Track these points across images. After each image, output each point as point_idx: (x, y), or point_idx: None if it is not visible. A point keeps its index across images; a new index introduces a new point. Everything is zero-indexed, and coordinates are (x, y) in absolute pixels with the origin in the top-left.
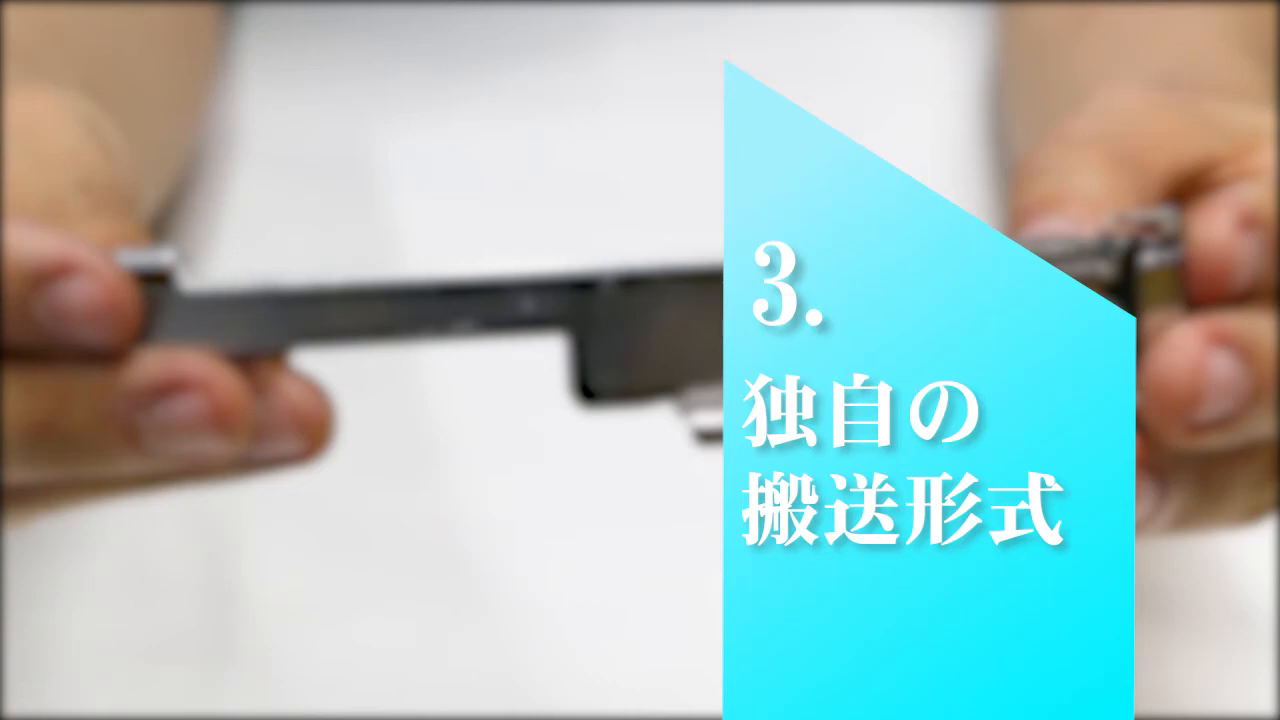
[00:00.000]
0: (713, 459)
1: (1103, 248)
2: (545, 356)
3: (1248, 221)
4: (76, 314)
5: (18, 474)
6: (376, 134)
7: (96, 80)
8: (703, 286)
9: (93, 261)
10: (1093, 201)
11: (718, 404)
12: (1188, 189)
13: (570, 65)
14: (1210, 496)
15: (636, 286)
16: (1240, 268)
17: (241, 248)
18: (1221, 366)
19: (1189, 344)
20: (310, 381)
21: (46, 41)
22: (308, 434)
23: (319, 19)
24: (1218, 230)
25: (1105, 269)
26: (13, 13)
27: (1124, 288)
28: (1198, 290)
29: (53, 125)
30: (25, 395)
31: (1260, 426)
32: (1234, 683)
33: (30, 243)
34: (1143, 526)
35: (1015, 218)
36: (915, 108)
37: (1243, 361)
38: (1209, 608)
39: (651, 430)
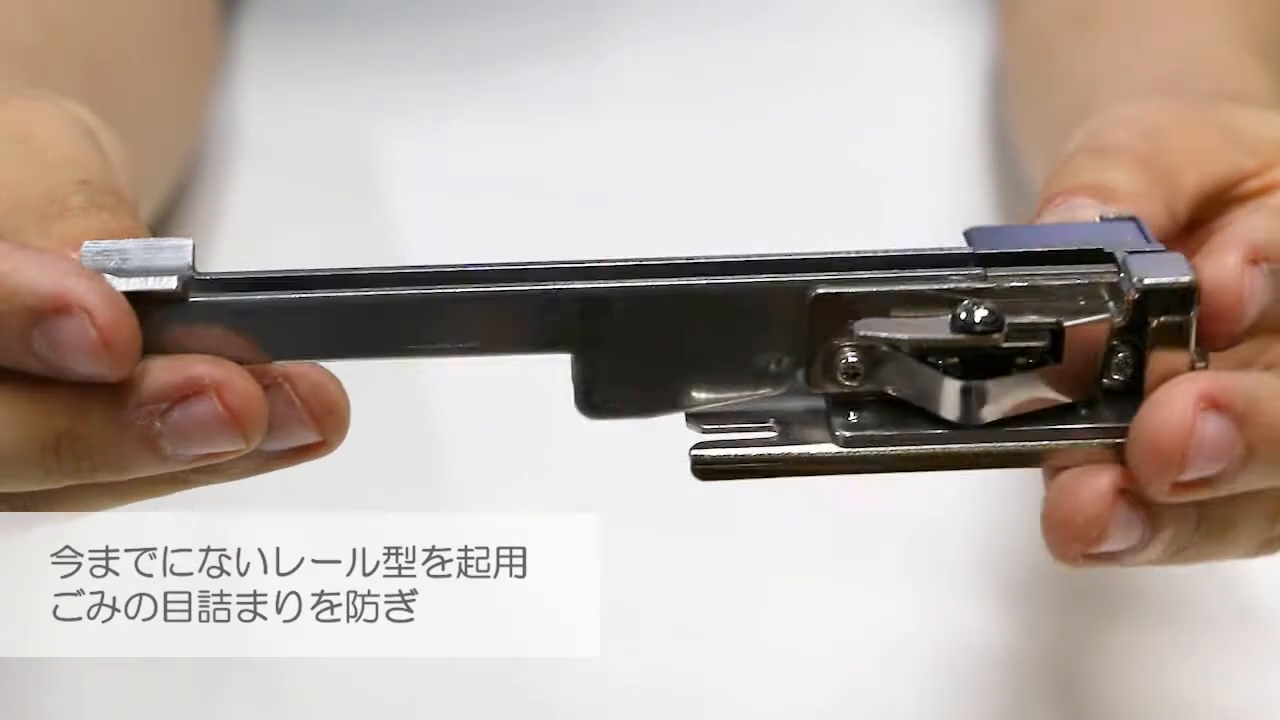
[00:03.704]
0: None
1: (1114, 289)
2: (546, 362)
3: (1255, 255)
4: (73, 350)
5: (38, 482)
6: (376, 134)
7: (97, 79)
8: (706, 302)
9: (88, 298)
10: (1125, 194)
11: (720, 417)
12: (1216, 205)
13: (570, 65)
14: (1214, 531)
15: (640, 306)
16: (1250, 303)
17: (241, 248)
18: (1211, 430)
19: (1180, 405)
20: (323, 370)
21: (47, 41)
22: (323, 424)
23: (319, 19)
24: (1227, 268)
25: (1116, 312)
26: (13, 12)
27: (1134, 329)
28: (1209, 329)
29: (51, 131)
30: (41, 409)
31: (1252, 482)
32: (1243, 684)
33: (28, 277)
34: (1134, 557)
35: (1043, 201)
36: (915, 107)
37: (1236, 424)
38: (1218, 609)
39: (653, 435)
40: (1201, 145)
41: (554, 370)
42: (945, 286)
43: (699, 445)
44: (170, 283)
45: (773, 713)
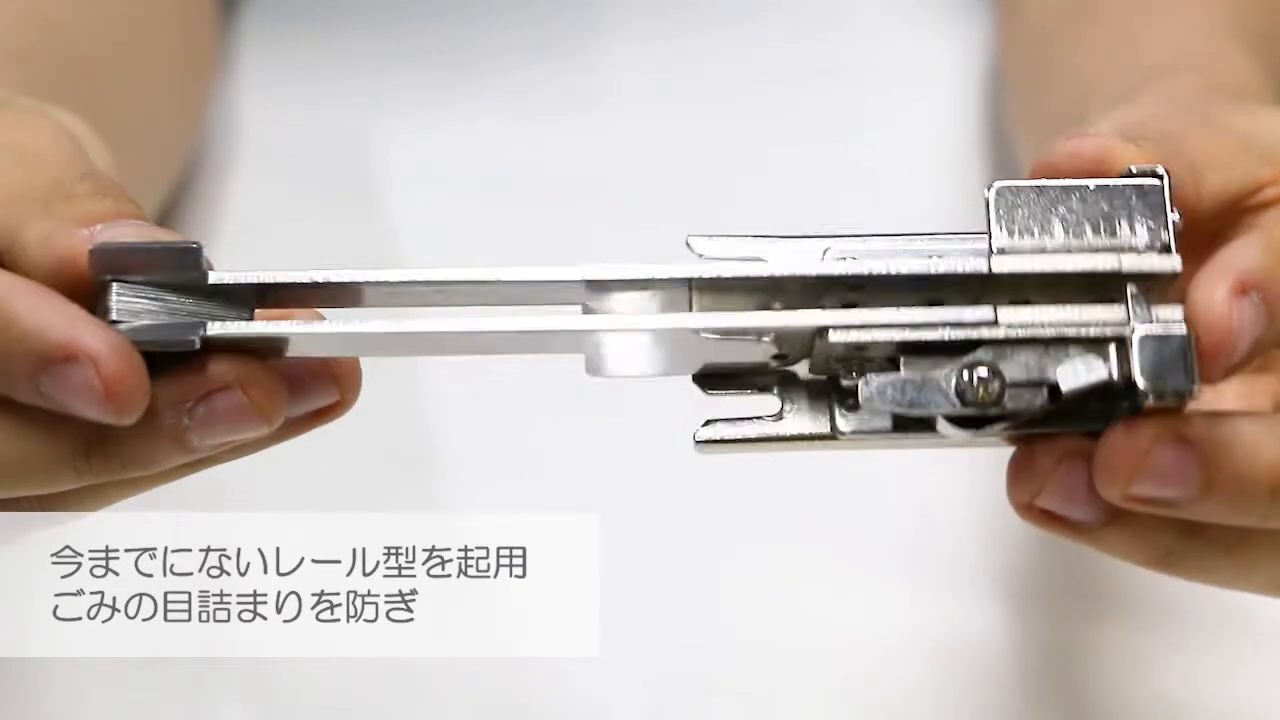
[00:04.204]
0: (711, 463)
1: (1120, 342)
2: (547, 363)
3: (1244, 286)
4: (77, 397)
5: (69, 485)
6: (376, 134)
7: (96, 81)
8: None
9: (94, 347)
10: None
11: (725, 380)
12: (1233, 213)
13: (570, 65)
14: (1216, 549)
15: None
16: (1240, 339)
17: (241, 247)
18: (1165, 458)
19: (1142, 433)
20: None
21: (45, 42)
22: (341, 381)
23: (319, 19)
24: (1216, 304)
25: (1115, 369)
26: (13, 13)
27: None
28: (1201, 364)
29: (39, 139)
30: (68, 424)
31: (1221, 517)
32: (1237, 683)
33: (41, 321)
34: (1101, 538)
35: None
36: (915, 107)
37: (1195, 459)
38: (1214, 610)
39: (653, 436)
40: (1219, 152)
41: (554, 371)
42: (957, 338)
43: (704, 427)
44: (186, 336)
45: (772, 712)
